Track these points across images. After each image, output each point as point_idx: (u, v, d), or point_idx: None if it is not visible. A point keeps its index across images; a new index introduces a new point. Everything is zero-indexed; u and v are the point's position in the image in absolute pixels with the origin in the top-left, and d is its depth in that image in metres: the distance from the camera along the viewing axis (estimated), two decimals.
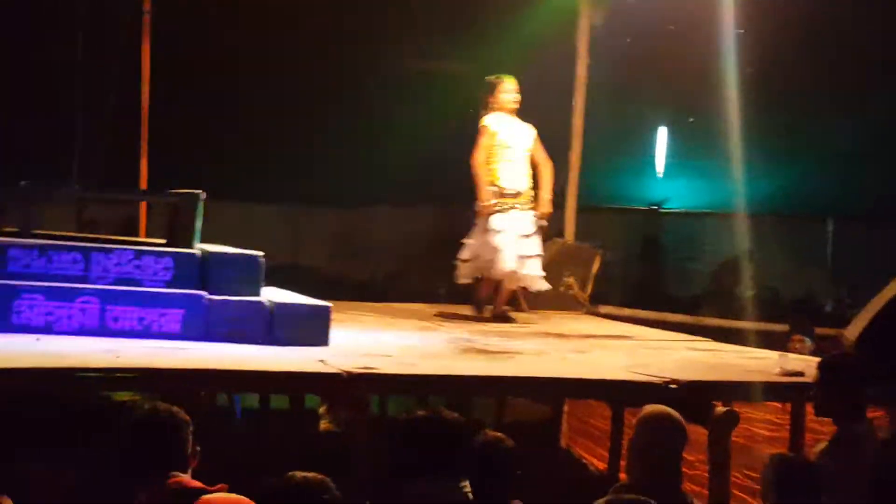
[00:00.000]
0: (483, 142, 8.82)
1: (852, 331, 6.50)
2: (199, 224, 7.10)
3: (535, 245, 8.86)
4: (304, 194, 13.48)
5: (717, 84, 9.78)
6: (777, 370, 6.71)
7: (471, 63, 13.98)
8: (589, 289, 9.98)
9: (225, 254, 7.06)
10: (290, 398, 7.89)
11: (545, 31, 11.00)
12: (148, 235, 8.87)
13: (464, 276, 8.98)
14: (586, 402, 8.60)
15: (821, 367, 5.42)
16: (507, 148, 8.82)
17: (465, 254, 8.94)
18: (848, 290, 13.52)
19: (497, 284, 8.92)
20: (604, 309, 10.14)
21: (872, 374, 5.40)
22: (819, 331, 10.41)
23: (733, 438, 6.10)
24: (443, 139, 13.08)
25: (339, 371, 5.92)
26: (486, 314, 8.97)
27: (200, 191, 7.18)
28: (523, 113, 8.97)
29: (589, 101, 10.61)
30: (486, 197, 8.74)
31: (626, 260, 13.88)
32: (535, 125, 9.05)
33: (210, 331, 6.64)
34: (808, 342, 9.86)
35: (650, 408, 5.14)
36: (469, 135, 9.00)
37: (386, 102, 13.80)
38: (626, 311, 10.42)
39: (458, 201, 14.17)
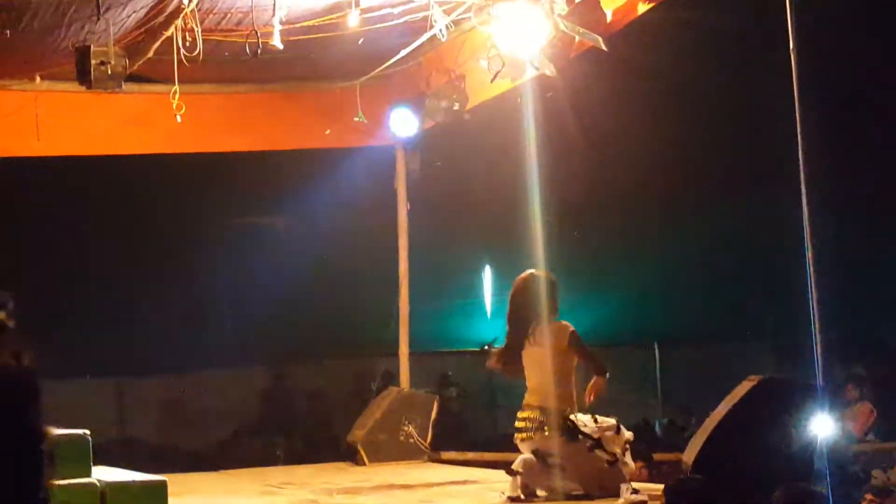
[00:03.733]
0: None
1: (689, 454, 6.76)
2: None
3: None
4: (126, 363, 13.25)
5: (533, 219, 10.14)
6: (621, 500, 6.92)
7: (291, 217, 14.21)
8: (429, 436, 10.07)
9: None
10: None
11: (364, 180, 11.29)
12: None
13: None
14: None
15: (666, 491, 5.63)
16: None
17: None
18: (680, 413, 14.01)
19: None
20: (445, 454, 10.23)
21: (714, 495, 5.63)
22: (657, 456, 10.79)
23: None
24: (270, 296, 13.15)
25: None
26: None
27: None
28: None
29: (412, 246, 10.87)
30: None
31: (462, 402, 14.06)
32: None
33: None
34: (648, 469, 10.21)
35: None
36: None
37: (206, 261, 13.82)
38: (469, 455, 10.54)
39: (288, 361, 14.28)
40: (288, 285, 13.28)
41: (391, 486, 8.40)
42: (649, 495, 6.81)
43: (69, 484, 6.56)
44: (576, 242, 12.81)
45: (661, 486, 6.67)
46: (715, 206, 15.22)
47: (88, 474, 6.72)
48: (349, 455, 10.08)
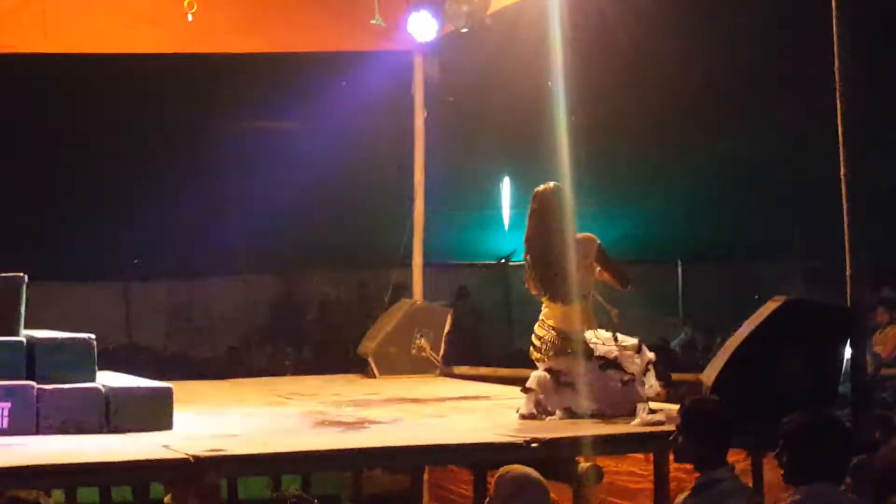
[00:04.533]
0: None
1: (709, 375, 6.74)
2: (22, 309, 6.96)
3: None
4: (133, 267, 13.32)
5: (557, 132, 10.04)
6: (637, 420, 6.92)
7: (303, 120, 14.11)
8: (442, 350, 10.10)
9: (53, 339, 6.92)
10: (133, 489, 7.74)
11: (380, 85, 11.17)
12: None
13: None
14: (447, 468, 8.66)
15: (682, 411, 5.58)
16: None
17: None
18: (701, 333, 13.99)
19: None
20: (458, 369, 10.26)
21: (733, 417, 5.59)
22: (675, 376, 10.80)
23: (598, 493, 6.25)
24: (281, 203, 13.13)
25: (184, 456, 5.85)
26: None
27: (22, 273, 7.05)
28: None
29: (429, 154, 10.79)
30: None
31: (477, 316, 14.09)
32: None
33: (42, 423, 6.48)
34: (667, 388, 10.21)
35: (507, 468, 5.22)
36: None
37: (215, 166, 13.80)
38: (482, 370, 10.57)
39: (298, 269, 14.29)
40: (299, 191, 13.27)
41: (402, 400, 8.44)
42: (667, 415, 6.80)
43: (72, 388, 6.61)
44: (610, 156, 12.64)
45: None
46: (747, 121, 15.06)
47: (93, 379, 6.76)
48: (359, 367, 10.12)
